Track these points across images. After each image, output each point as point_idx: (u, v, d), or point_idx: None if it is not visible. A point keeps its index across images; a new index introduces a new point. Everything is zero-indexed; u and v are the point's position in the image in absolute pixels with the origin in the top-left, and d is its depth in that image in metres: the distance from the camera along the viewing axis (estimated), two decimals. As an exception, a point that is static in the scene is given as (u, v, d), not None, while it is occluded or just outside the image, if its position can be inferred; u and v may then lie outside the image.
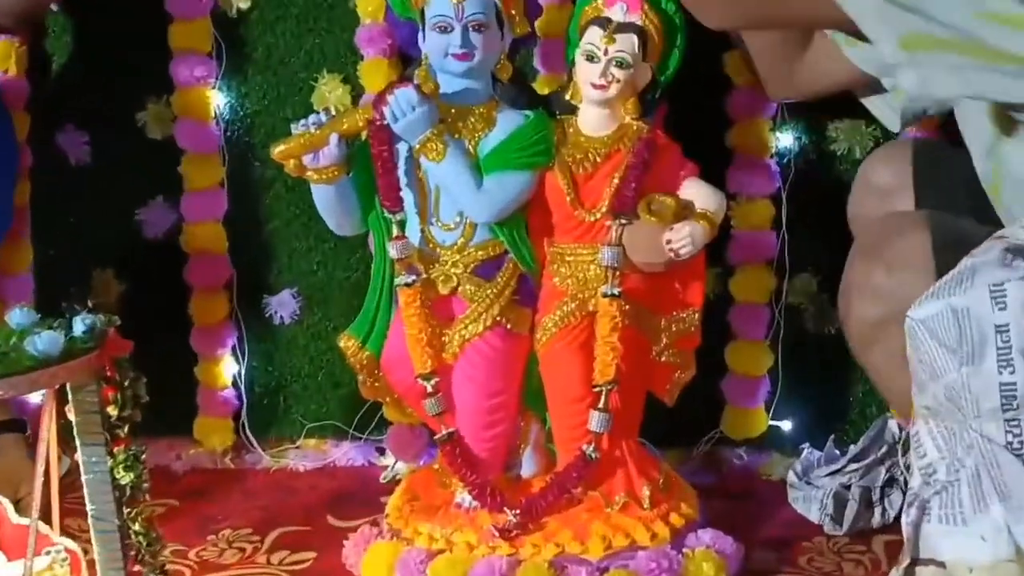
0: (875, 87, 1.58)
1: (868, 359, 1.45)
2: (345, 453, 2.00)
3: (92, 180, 2.01)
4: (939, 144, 1.75)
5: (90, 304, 1.31)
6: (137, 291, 1.96)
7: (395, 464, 1.94)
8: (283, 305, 2.00)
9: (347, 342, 1.63)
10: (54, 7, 1.97)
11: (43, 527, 1.35)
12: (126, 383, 1.30)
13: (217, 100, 1.96)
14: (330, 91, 1.93)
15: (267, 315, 2.02)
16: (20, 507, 1.43)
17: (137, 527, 1.32)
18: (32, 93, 1.97)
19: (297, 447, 2.03)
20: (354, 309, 1.78)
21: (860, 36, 1.40)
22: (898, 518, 1.65)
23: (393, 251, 1.53)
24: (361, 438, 2.00)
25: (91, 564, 1.34)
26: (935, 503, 1.08)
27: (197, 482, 1.89)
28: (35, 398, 1.83)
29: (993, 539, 1.04)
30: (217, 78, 1.96)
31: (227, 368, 2.03)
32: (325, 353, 2.01)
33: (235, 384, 2.04)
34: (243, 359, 2.06)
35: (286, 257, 2.02)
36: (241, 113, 1.98)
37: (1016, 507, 1.02)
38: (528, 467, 1.68)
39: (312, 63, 1.95)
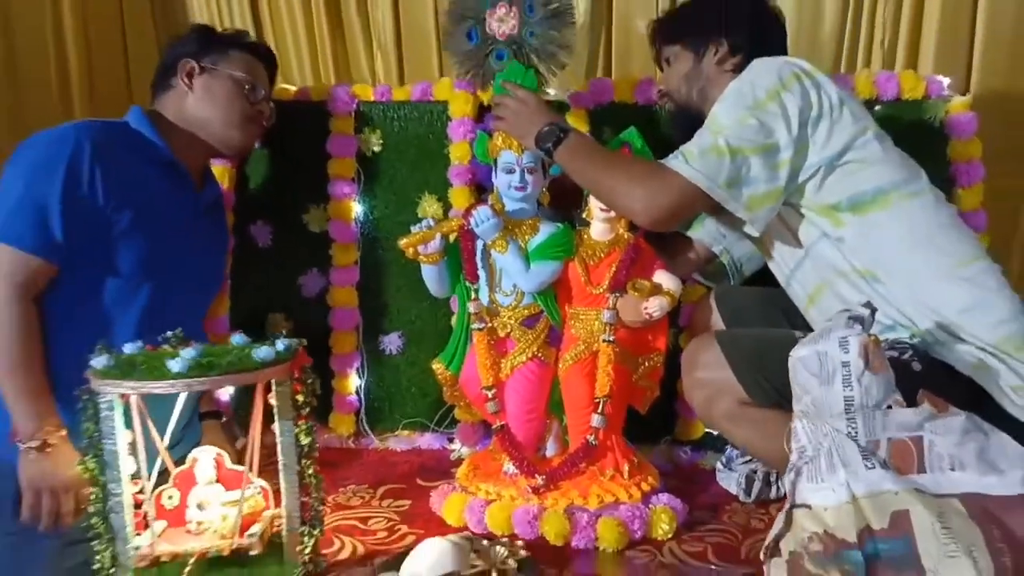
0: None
1: (729, 434, 1.52)
2: (427, 440, 2.01)
3: (272, 257, 2.06)
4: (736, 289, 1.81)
5: (283, 333, 1.37)
6: (297, 330, 1.89)
7: (460, 448, 1.96)
8: (392, 343, 2.04)
9: (437, 365, 1.71)
10: (256, 145, 1.97)
11: (247, 471, 1.38)
12: (308, 382, 1.36)
13: (356, 209, 2.01)
14: (429, 206, 1.98)
15: (381, 349, 2.05)
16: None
17: (310, 472, 1.37)
18: (236, 199, 2.04)
19: (395, 435, 2.03)
20: (438, 345, 1.81)
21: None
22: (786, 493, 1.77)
23: (472, 308, 1.62)
24: (438, 431, 2.02)
25: (276, 495, 1.40)
26: (805, 471, 1.17)
27: (331, 455, 1.93)
28: (224, 396, 1.90)
29: (838, 490, 1.12)
30: (357, 194, 2.01)
31: (353, 382, 2.05)
32: (417, 375, 2.03)
33: (357, 392, 2.05)
34: (363, 376, 2.06)
35: (396, 311, 2.04)
36: (371, 218, 2.02)
37: (852, 471, 1.11)
38: (551, 449, 1.74)
39: (418, 187, 2.00)
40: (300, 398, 1.36)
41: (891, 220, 1.40)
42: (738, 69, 1.55)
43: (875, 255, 1.39)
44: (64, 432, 1.52)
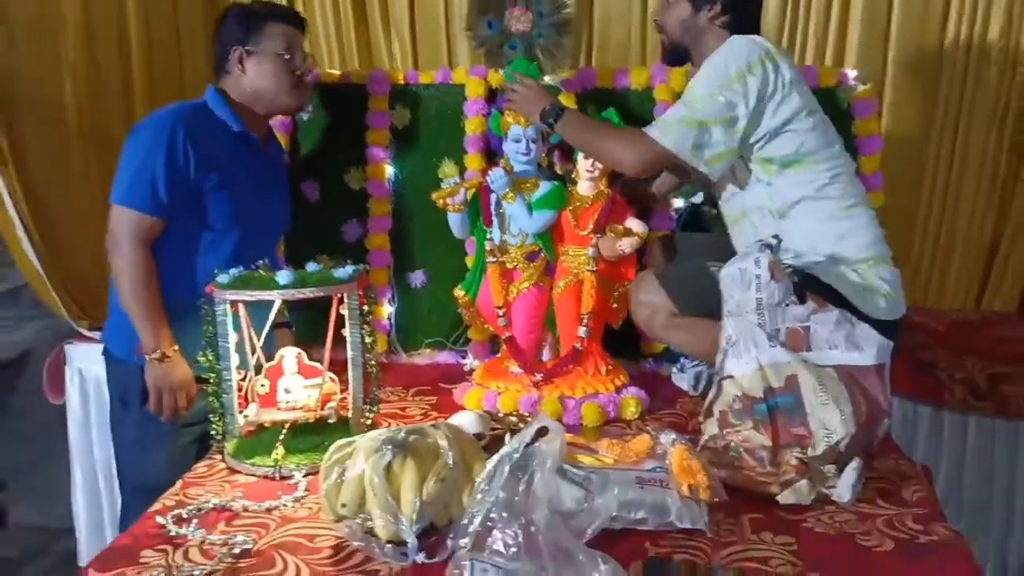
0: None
1: (665, 339, 2.00)
2: (444, 357, 2.40)
3: (319, 210, 2.42)
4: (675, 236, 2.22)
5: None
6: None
7: (472, 361, 2.34)
8: (417, 278, 2.42)
9: (459, 292, 2.11)
10: (304, 116, 2.38)
11: (320, 366, 1.79)
12: (370, 296, 1.76)
13: (389, 171, 2.38)
14: (449, 168, 2.34)
15: (408, 283, 2.42)
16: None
17: (372, 363, 1.77)
18: (290, 161, 2.36)
19: (419, 352, 2.42)
20: (454, 280, 2.21)
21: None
22: None
23: (487, 246, 2.01)
24: (454, 348, 2.40)
25: (344, 385, 1.79)
26: (730, 352, 1.59)
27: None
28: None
29: (751, 363, 1.55)
30: (390, 159, 2.37)
31: (385, 309, 2.42)
32: (437, 304, 2.40)
33: (389, 318, 2.42)
34: (394, 304, 2.43)
35: (420, 253, 2.41)
36: (401, 178, 2.38)
37: (761, 349, 1.54)
38: (546, 355, 2.13)
39: (439, 154, 2.36)
40: (365, 308, 1.76)
41: (803, 176, 1.84)
42: (727, 25, 1.89)
43: (786, 199, 1.84)
44: (176, 347, 1.93)
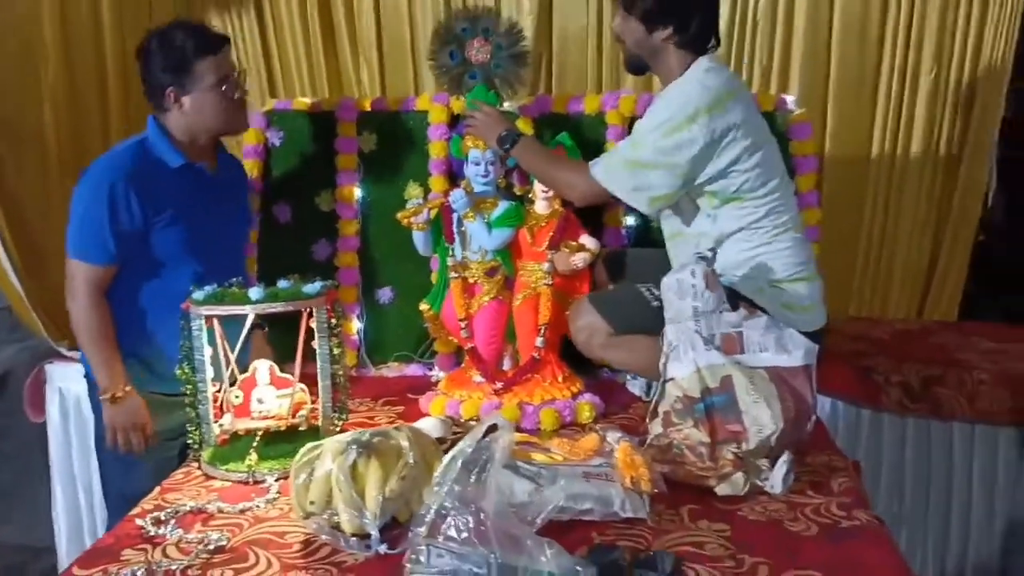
0: None
1: (605, 359, 2.13)
2: (411, 369, 2.47)
3: (290, 231, 2.52)
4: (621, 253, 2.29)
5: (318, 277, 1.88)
6: (310, 286, 2.33)
7: (438, 372, 2.42)
8: (384, 295, 2.50)
9: (424, 306, 2.21)
10: (276, 142, 2.49)
11: (291, 377, 1.88)
12: (337, 310, 1.86)
13: (357, 193, 2.47)
14: (413, 190, 2.45)
15: (376, 299, 2.51)
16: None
17: (340, 374, 1.87)
18: (263, 185, 2.50)
19: (387, 365, 2.49)
20: (419, 296, 2.29)
21: None
22: None
23: (449, 262, 2.12)
24: (420, 361, 2.49)
25: (315, 396, 1.87)
26: (672, 356, 1.71)
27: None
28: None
29: (689, 365, 1.67)
30: (358, 182, 2.47)
31: (355, 325, 2.50)
32: (404, 319, 2.47)
33: (358, 333, 2.50)
34: (363, 320, 2.51)
35: (388, 271, 2.49)
36: (369, 199, 2.48)
37: (698, 353, 1.67)
38: (506, 365, 2.22)
39: (405, 176, 2.46)
40: (334, 321, 1.87)
41: (742, 211, 1.97)
42: (681, 44, 1.95)
43: (724, 229, 1.97)
44: (130, 388, 2.04)
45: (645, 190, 1.93)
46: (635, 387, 2.29)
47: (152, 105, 2.08)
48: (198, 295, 1.83)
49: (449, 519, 1.28)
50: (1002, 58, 2.88)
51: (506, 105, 2.17)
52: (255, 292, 1.81)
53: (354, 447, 1.54)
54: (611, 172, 1.94)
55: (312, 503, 1.53)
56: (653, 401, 1.80)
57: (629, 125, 2.42)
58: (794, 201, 2.03)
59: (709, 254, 1.77)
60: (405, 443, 1.59)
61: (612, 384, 2.38)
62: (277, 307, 1.82)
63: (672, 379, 1.74)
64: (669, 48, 1.98)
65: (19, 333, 2.90)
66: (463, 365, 2.29)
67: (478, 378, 2.18)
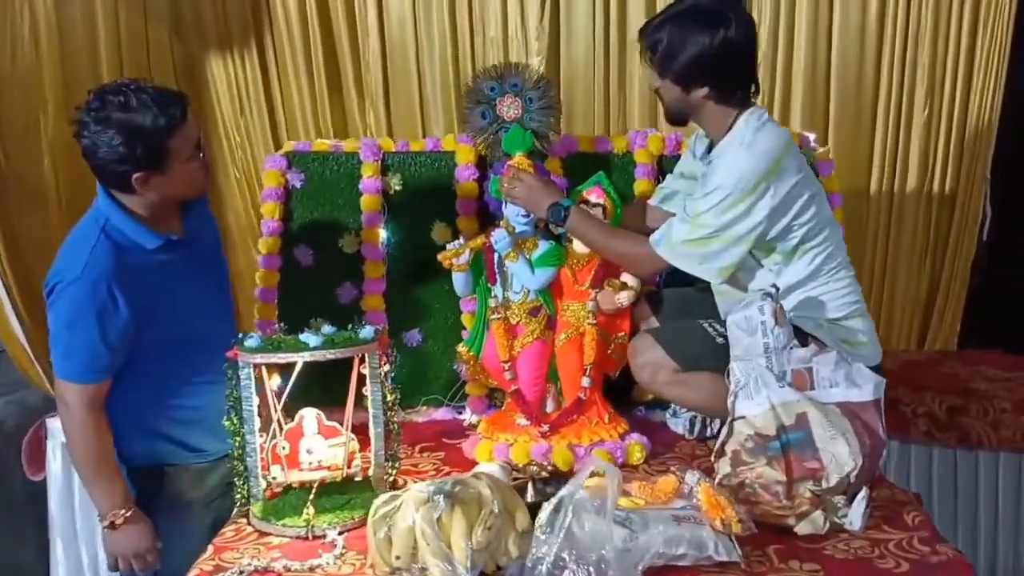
0: None
1: (668, 396, 2.07)
2: (441, 413, 2.41)
3: (312, 275, 2.45)
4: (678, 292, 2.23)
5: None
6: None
7: (471, 416, 2.37)
8: (412, 337, 2.44)
9: (462, 348, 2.18)
10: (297, 184, 2.42)
11: (339, 426, 1.81)
12: (390, 356, 1.82)
13: (382, 235, 2.41)
14: (440, 232, 2.41)
15: (404, 342, 2.43)
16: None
17: (394, 421, 1.83)
18: (283, 228, 2.43)
19: (416, 410, 2.42)
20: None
21: None
22: (719, 432, 2.11)
23: (491, 303, 2.08)
24: (450, 405, 2.43)
25: (364, 444, 1.81)
26: (740, 394, 1.68)
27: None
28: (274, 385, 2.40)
29: (762, 403, 1.64)
30: (384, 223, 2.41)
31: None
32: (432, 362, 2.44)
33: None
34: (393, 363, 2.33)
35: (415, 313, 2.44)
36: (393, 241, 2.42)
37: (772, 390, 1.64)
38: (550, 406, 2.16)
39: (431, 217, 2.41)
40: (386, 367, 1.82)
41: (802, 262, 1.95)
42: (720, 100, 1.91)
43: (788, 281, 1.94)
44: (131, 512, 1.87)
45: (713, 262, 1.90)
46: (677, 425, 2.26)
47: (104, 182, 1.85)
48: (250, 343, 1.74)
49: (568, 571, 1.22)
50: (992, 93, 2.96)
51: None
52: (311, 338, 1.73)
53: (440, 497, 1.47)
54: (675, 250, 1.92)
55: (398, 558, 1.46)
56: (719, 441, 1.76)
57: (658, 163, 2.43)
58: (842, 239, 2.03)
59: (773, 290, 1.76)
60: (487, 491, 1.53)
61: (649, 423, 2.34)
62: (334, 353, 1.74)
63: (743, 417, 1.71)
64: (709, 105, 1.94)
65: (6, 386, 2.74)
66: (504, 408, 2.23)
67: (522, 421, 2.12)
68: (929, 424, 2.45)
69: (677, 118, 2.03)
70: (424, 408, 2.47)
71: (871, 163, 3.10)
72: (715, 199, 1.86)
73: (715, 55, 1.87)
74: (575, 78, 3.06)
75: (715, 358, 1.86)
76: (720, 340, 1.88)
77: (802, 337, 1.77)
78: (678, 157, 2.40)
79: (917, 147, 3.07)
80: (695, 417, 2.22)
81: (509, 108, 2.10)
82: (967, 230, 3.10)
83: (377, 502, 1.56)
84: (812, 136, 2.46)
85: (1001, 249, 3.19)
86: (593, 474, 1.41)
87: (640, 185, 2.41)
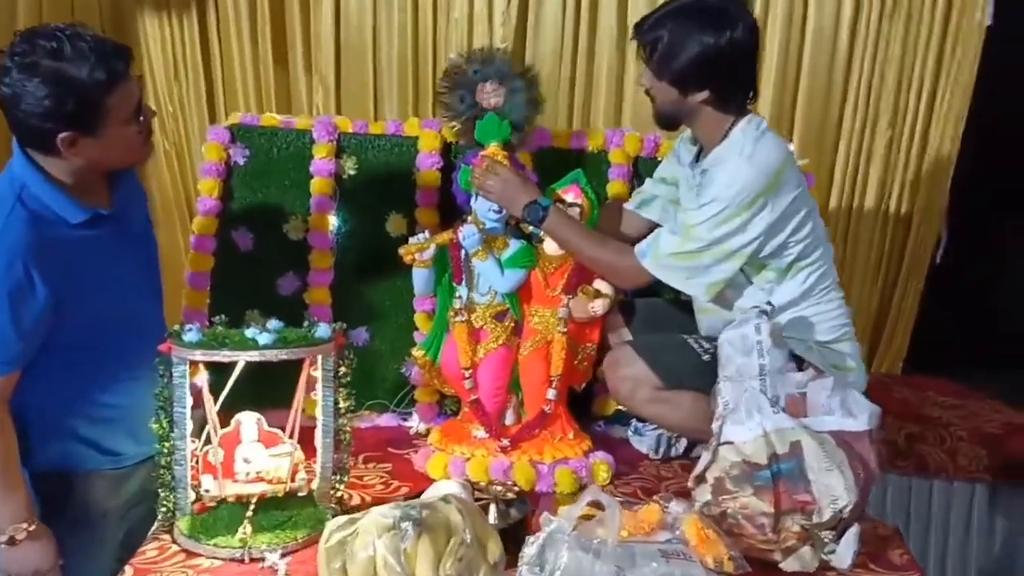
0: None
1: (646, 414, 1.94)
2: (385, 419, 2.23)
3: (251, 261, 2.23)
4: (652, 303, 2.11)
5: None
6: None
7: (419, 424, 2.19)
8: (359, 336, 2.24)
9: (418, 352, 2.01)
10: (240, 161, 2.20)
11: (281, 433, 1.64)
12: (349, 357, 1.64)
13: (333, 222, 2.22)
14: (395, 223, 2.23)
15: (349, 341, 2.03)
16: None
17: (346, 430, 1.64)
18: (221, 208, 2.21)
19: (358, 415, 2.16)
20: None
21: None
22: (684, 454, 2.06)
23: (456, 304, 1.92)
24: (396, 411, 2.25)
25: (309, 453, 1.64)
26: (729, 417, 1.56)
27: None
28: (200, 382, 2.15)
29: (754, 429, 1.53)
30: (335, 210, 2.22)
31: None
32: (378, 364, 2.25)
33: None
34: (349, 366, 2.18)
35: (363, 310, 2.24)
36: (344, 229, 2.23)
37: (765, 416, 1.53)
38: (509, 418, 2.02)
39: (386, 206, 2.24)
40: (342, 369, 1.64)
41: (794, 281, 1.85)
42: (718, 106, 1.79)
43: (781, 300, 1.83)
44: (34, 526, 1.61)
45: (701, 277, 1.78)
46: (641, 444, 2.14)
47: (23, 141, 1.61)
48: (189, 336, 1.53)
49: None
50: (955, 121, 2.96)
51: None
52: (262, 336, 1.53)
53: (408, 525, 1.29)
54: (662, 263, 1.79)
55: (356, 593, 1.27)
56: (700, 466, 1.63)
57: (634, 164, 2.30)
58: (832, 259, 1.94)
59: (768, 308, 1.65)
60: (457, 517, 1.37)
61: (609, 439, 2.21)
62: (286, 354, 1.54)
63: (730, 442, 1.59)
64: (706, 110, 1.82)
65: None
66: (460, 417, 2.07)
67: (479, 433, 1.97)
68: (889, 452, 2.39)
69: (668, 122, 1.89)
70: (367, 413, 2.27)
71: (831, 180, 3.06)
72: (710, 211, 1.74)
73: (719, 57, 1.74)
74: (540, 69, 2.88)
75: (699, 377, 1.74)
76: (706, 358, 1.76)
77: (796, 360, 1.65)
78: (654, 160, 2.29)
79: (878, 167, 3.05)
80: (661, 435, 2.10)
81: (490, 95, 1.95)
82: (922, 252, 3.09)
83: (331, 525, 1.37)
84: (791, 146, 2.36)
85: (951, 274, 3.18)
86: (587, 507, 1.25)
87: (613, 187, 2.28)
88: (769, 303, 1.69)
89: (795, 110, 3.00)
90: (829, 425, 1.59)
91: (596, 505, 1.31)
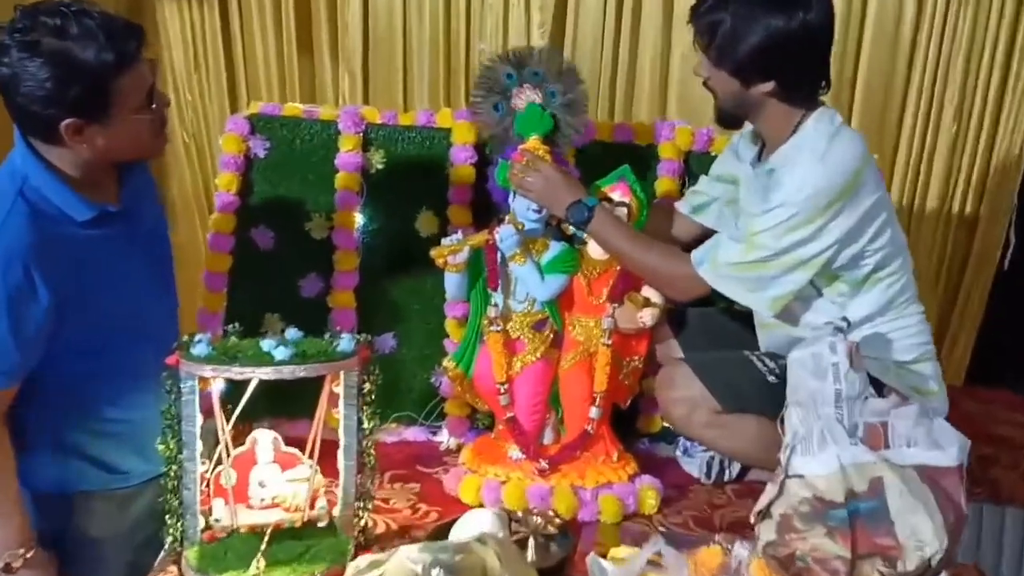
0: None
1: (704, 440, 1.78)
2: (413, 433, 2.08)
3: (272, 261, 2.09)
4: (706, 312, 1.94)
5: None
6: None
7: (449, 439, 2.05)
8: (385, 343, 2.10)
9: (448, 363, 1.86)
10: (260, 153, 2.06)
11: (300, 453, 1.49)
12: (373, 372, 1.49)
13: (359, 220, 2.07)
14: (426, 221, 2.09)
15: (376, 351, 2.02)
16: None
17: (370, 453, 1.50)
18: (240, 203, 2.06)
19: (384, 427, 2.05)
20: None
21: None
22: (738, 477, 1.90)
23: (491, 312, 1.78)
24: (425, 424, 2.10)
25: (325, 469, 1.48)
26: (799, 448, 1.40)
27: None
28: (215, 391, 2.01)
29: (830, 462, 1.36)
30: (360, 206, 2.07)
31: None
32: (406, 373, 2.11)
33: None
34: (375, 381, 2.03)
35: (390, 315, 2.11)
36: (371, 228, 2.08)
37: (842, 448, 1.37)
38: (548, 437, 1.87)
39: (416, 204, 2.09)
40: (367, 386, 1.49)
41: (872, 294, 1.68)
42: (785, 98, 1.63)
43: (856, 315, 1.66)
44: (32, 552, 1.51)
45: (766, 290, 1.61)
46: (691, 466, 1.97)
47: (25, 130, 1.49)
48: (199, 348, 1.38)
49: None
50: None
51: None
52: (278, 349, 1.38)
53: (438, 572, 1.14)
54: (721, 274, 1.62)
55: (380, 649, 1.12)
56: (764, 500, 1.47)
57: (685, 160, 2.13)
58: (912, 270, 1.75)
59: (844, 324, 1.47)
60: (494, 562, 1.22)
61: (653, 458, 2.05)
62: (304, 370, 1.39)
63: (800, 476, 1.42)
64: (771, 103, 1.64)
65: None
66: (494, 435, 1.92)
67: (515, 453, 1.82)
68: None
69: (729, 119, 1.73)
70: (394, 426, 2.12)
71: (891, 180, 2.86)
72: (778, 217, 1.56)
73: (789, 43, 1.56)
74: (580, 58, 2.74)
75: (763, 400, 1.58)
76: (771, 379, 1.59)
77: (874, 384, 1.48)
78: (707, 155, 2.11)
79: (941, 167, 2.84)
80: (712, 457, 1.93)
81: (527, 101, 1.80)
82: (987, 257, 2.88)
83: (352, 568, 1.22)
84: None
85: (1019, 279, 2.97)
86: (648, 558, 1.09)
87: (662, 184, 2.11)
88: (844, 319, 1.51)
89: (852, 105, 2.80)
90: (914, 459, 1.42)
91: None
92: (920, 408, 1.45)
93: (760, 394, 1.60)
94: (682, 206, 1.94)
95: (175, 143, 2.75)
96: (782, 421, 1.48)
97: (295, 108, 2.15)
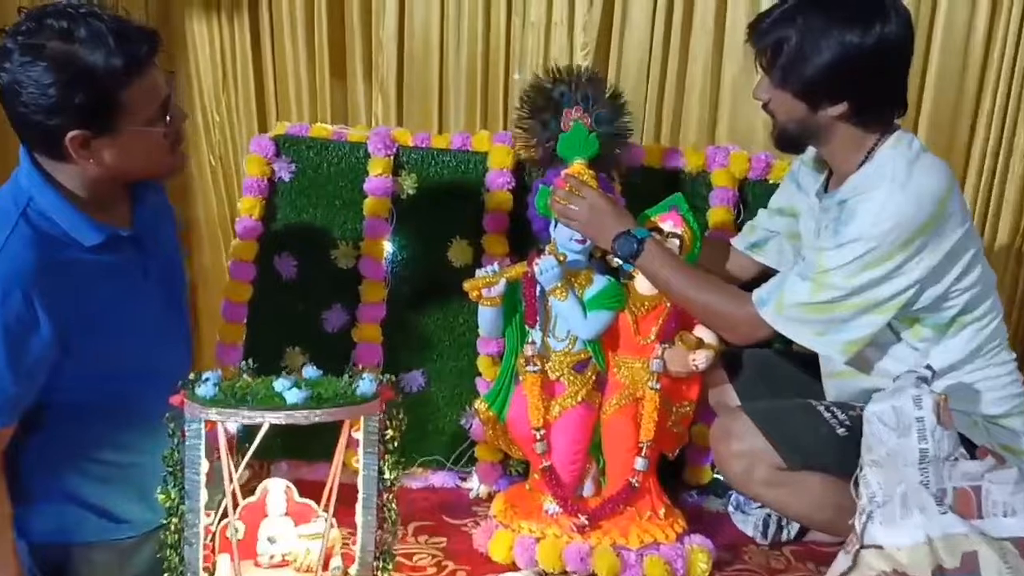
0: None
1: (765, 499, 1.61)
2: (440, 478, 1.98)
3: (295, 291, 2.00)
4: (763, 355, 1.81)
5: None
6: (315, 364, 1.53)
7: (479, 485, 1.94)
8: (414, 380, 2.00)
9: (481, 405, 1.74)
10: (285, 177, 1.98)
11: (315, 505, 1.37)
12: (398, 417, 1.35)
13: (388, 248, 1.98)
14: (459, 250, 1.98)
15: (401, 386, 1.98)
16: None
17: (391, 506, 1.35)
18: (263, 230, 1.99)
19: (410, 472, 1.96)
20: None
21: None
22: (797, 537, 1.76)
23: (528, 351, 1.66)
24: (454, 469, 1.99)
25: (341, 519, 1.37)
26: (877, 515, 1.27)
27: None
28: (232, 429, 1.88)
29: (914, 532, 1.23)
30: (390, 234, 1.98)
31: None
32: (435, 413, 2.01)
33: None
34: (399, 427, 1.94)
35: (418, 350, 2.01)
36: (401, 257, 1.99)
37: (929, 516, 1.23)
38: (587, 490, 1.74)
39: (451, 230, 1.99)
40: (389, 432, 1.36)
41: (957, 340, 1.52)
42: (858, 122, 1.49)
43: (940, 364, 1.48)
44: None
45: (837, 334, 1.46)
46: (745, 524, 1.82)
47: (30, 146, 1.39)
48: (205, 389, 1.26)
49: None
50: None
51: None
52: (291, 392, 1.25)
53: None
54: (787, 316, 1.48)
55: None
56: (837, 571, 1.30)
57: (740, 188, 1.99)
58: (1002, 313, 1.59)
59: (928, 373, 1.31)
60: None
61: (702, 512, 1.91)
62: (319, 415, 1.26)
63: (879, 547, 1.26)
64: (842, 126, 1.51)
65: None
66: (528, 485, 1.79)
67: (552, 507, 1.68)
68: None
69: (790, 145, 1.59)
70: (419, 471, 2.01)
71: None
72: (852, 253, 1.42)
73: (864, 61, 1.42)
74: (625, 81, 2.60)
75: (831, 456, 1.43)
76: (842, 431, 1.43)
77: (972, 445, 1.31)
78: (765, 183, 1.99)
79: (1014, 192, 2.65)
80: (769, 515, 1.77)
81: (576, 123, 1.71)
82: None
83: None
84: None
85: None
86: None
87: (716, 214, 1.98)
88: (929, 367, 1.35)
89: (918, 123, 2.63)
90: (1011, 530, 1.28)
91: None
92: (1019, 472, 1.28)
93: (828, 450, 1.45)
94: (738, 242, 1.82)
95: (202, 167, 2.67)
96: (856, 483, 1.33)
97: (323, 129, 2.06)
